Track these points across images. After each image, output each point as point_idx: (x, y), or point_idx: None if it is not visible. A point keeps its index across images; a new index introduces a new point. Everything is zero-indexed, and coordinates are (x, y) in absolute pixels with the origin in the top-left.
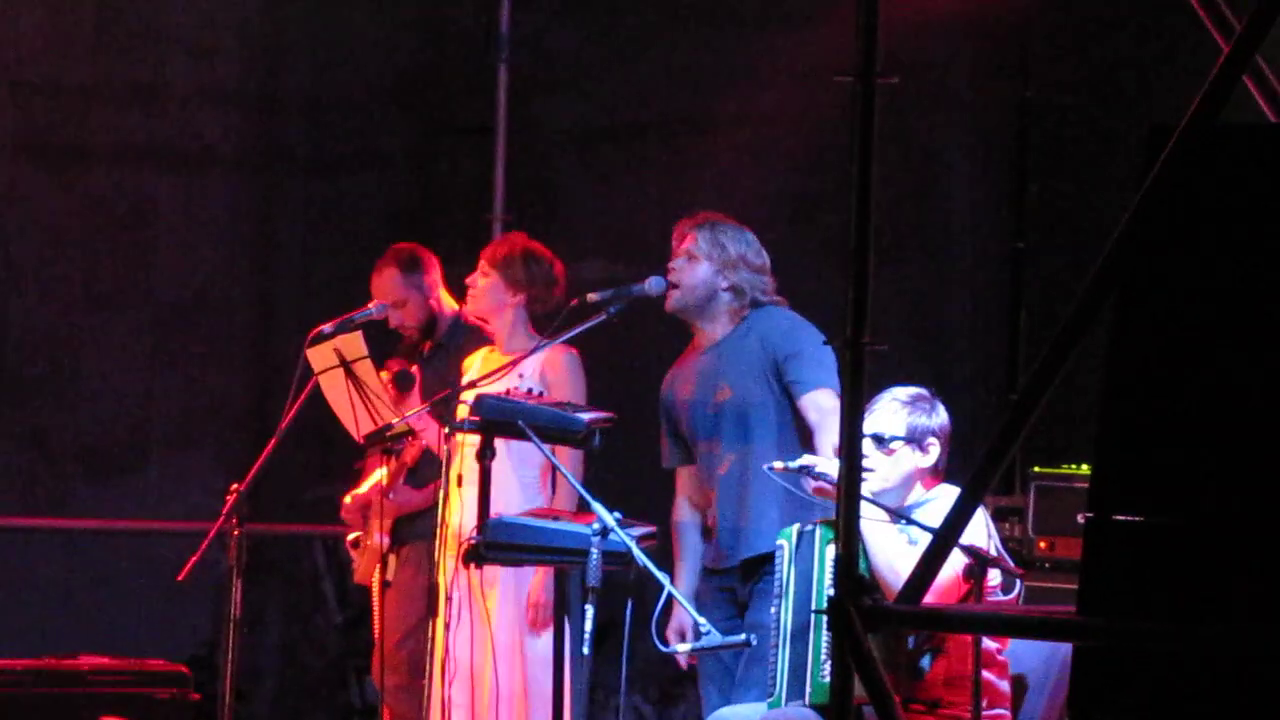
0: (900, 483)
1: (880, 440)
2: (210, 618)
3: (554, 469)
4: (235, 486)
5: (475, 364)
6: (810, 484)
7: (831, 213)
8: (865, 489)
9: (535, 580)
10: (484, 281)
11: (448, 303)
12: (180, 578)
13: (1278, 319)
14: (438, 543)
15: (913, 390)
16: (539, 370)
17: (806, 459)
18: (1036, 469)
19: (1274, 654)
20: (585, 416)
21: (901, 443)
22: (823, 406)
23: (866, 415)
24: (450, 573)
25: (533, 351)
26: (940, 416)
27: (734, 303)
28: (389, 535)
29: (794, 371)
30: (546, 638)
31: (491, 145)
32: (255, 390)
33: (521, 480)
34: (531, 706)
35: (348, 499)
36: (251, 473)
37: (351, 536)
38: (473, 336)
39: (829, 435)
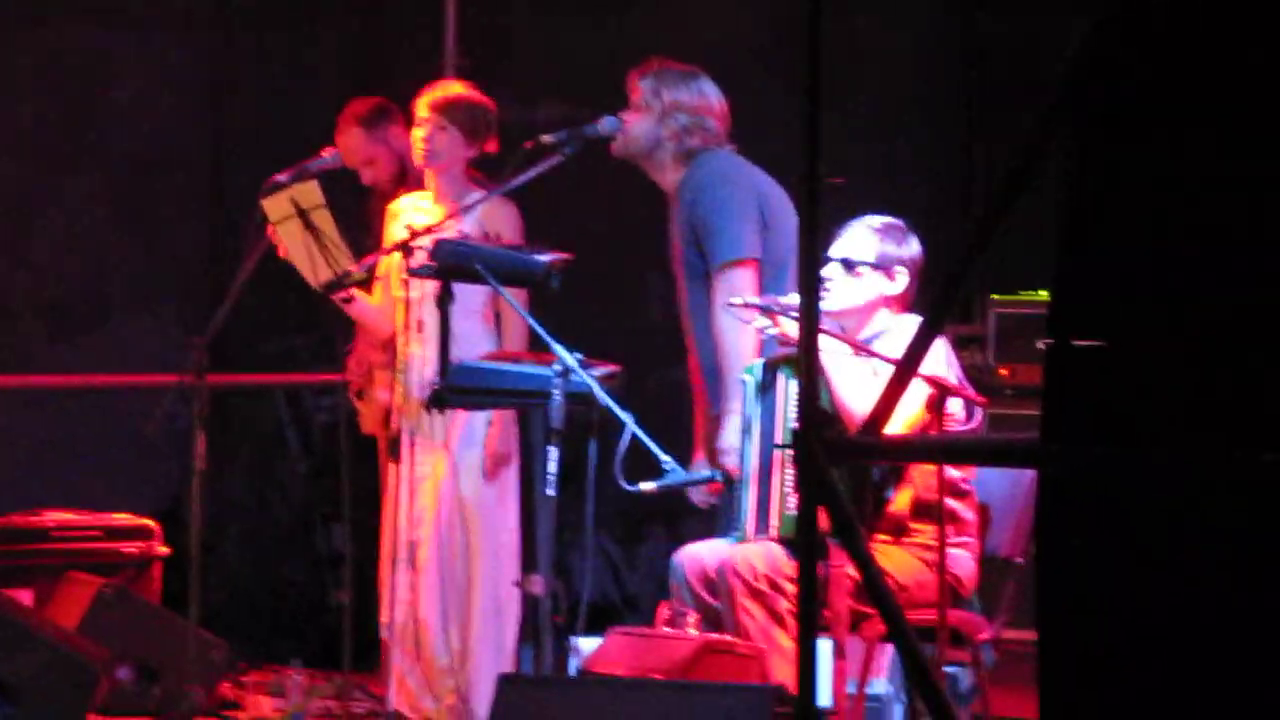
0: (863, 307)
1: (849, 265)
2: (175, 472)
3: (495, 316)
4: (196, 340)
5: (406, 211)
6: (760, 321)
7: (791, 49)
8: (825, 305)
9: (493, 430)
10: (444, 135)
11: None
12: (150, 430)
13: (1238, 139)
14: (396, 390)
15: (887, 220)
16: (478, 220)
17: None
18: (995, 296)
19: (1237, 477)
20: (544, 258)
21: (869, 268)
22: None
23: (837, 240)
24: (413, 420)
25: (489, 196)
26: (911, 248)
27: (677, 150)
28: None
29: (706, 247)
30: (496, 487)
31: None
32: (213, 243)
33: (462, 330)
34: (481, 555)
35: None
36: (212, 326)
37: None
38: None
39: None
